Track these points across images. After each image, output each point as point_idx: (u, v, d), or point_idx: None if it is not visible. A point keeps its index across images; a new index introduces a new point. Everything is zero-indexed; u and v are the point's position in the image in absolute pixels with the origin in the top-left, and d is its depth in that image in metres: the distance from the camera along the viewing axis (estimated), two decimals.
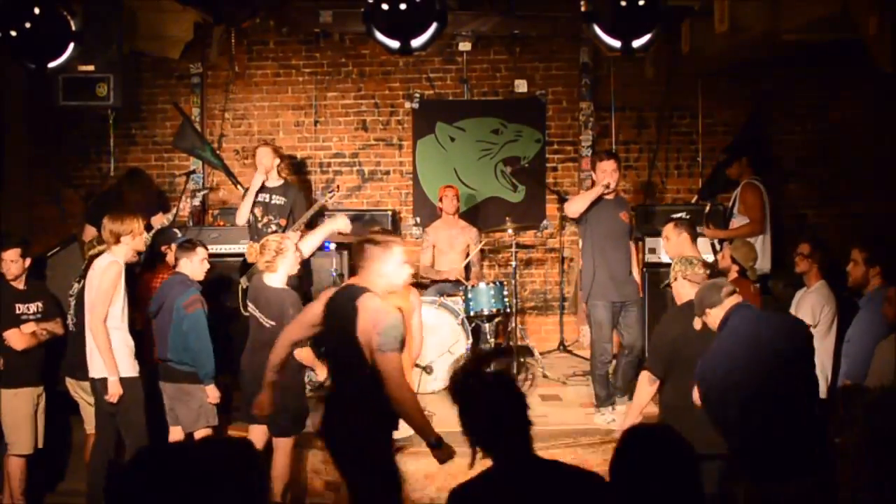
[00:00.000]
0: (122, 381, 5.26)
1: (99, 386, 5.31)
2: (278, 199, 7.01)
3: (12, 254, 5.65)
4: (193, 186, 8.25)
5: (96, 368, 5.30)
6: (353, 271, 7.65)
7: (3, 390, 5.68)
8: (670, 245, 5.66)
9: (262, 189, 7.03)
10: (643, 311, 6.58)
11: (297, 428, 5.40)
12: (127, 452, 5.31)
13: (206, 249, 5.85)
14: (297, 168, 8.80)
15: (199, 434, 5.54)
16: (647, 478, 2.45)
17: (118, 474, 2.49)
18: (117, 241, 5.36)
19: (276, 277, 5.39)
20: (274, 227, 6.90)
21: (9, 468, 5.66)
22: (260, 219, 6.97)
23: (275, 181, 7.07)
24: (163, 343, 5.59)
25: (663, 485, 2.43)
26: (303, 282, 6.74)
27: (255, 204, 6.99)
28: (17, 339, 5.64)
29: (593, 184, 6.46)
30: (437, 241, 7.91)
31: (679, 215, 7.26)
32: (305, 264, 6.45)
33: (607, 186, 6.32)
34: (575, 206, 6.45)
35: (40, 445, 5.75)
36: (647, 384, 4.87)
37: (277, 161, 7.11)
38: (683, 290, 4.86)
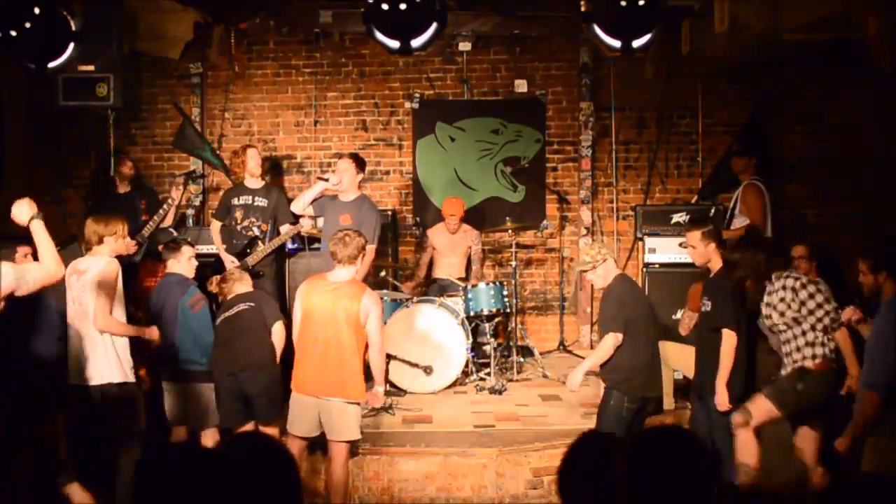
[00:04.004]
0: (127, 385, 5.08)
1: (98, 393, 5.02)
2: (261, 202, 6.89)
3: (28, 249, 5.62)
4: (190, 184, 8.19)
5: (100, 374, 5.04)
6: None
7: None
8: (698, 254, 5.50)
9: (243, 191, 6.96)
10: None
11: (279, 412, 5.40)
12: (125, 458, 5.04)
13: (193, 247, 5.82)
14: (297, 168, 8.81)
15: (208, 434, 5.55)
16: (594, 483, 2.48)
17: (152, 472, 2.46)
18: (100, 241, 5.22)
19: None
20: (255, 231, 6.80)
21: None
22: (240, 221, 6.85)
23: (257, 183, 6.99)
24: (165, 343, 5.53)
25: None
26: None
27: (234, 207, 6.91)
28: None
29: None
30: (438, 245, 7.93)
31: (678, 217, 7.25)
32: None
33: (326, 180, 6.61)
34: (296, 203, 6.80)
35: None
36: (613, 343, 5.20)
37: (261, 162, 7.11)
38: (608, 269, 5.32)
